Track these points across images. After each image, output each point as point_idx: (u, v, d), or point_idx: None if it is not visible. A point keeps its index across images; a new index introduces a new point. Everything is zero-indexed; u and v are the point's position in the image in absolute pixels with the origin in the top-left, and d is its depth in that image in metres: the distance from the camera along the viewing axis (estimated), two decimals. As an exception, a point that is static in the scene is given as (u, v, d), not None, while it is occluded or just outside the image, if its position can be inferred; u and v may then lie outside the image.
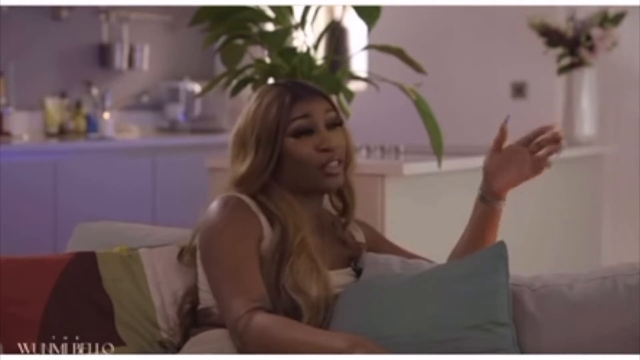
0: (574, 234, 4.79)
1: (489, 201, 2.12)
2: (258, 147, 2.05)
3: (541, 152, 2.09)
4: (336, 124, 2.08)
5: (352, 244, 2.16)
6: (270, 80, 2.94)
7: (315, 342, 1.81)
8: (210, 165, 3.45)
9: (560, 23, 4.81)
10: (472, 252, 2.09)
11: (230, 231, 1.99)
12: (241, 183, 2.06)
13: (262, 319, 1.87)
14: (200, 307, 2.07)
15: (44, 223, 5.06)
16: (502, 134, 2.13)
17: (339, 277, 2.07)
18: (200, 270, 2.05)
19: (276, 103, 2.05)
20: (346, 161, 2.08)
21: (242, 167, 2.06)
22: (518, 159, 2.10)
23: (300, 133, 2.04)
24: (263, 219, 2.03)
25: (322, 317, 1.97)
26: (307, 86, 2.11)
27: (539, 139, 2.10)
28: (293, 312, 1.94)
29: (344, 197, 2.15)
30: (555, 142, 2.08)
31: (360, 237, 2.20)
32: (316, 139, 2.04)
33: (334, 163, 2.05)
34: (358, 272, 2.12)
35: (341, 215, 2.17)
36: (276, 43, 2.92)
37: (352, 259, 2.14)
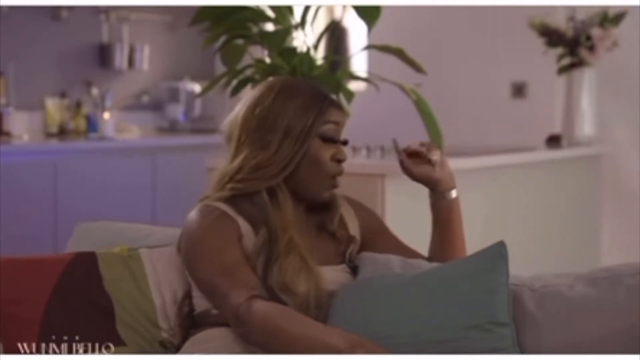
0: (574, 234, 4.80)
1: (445, 197, 2.16)
2: (284, 139, 2.04)
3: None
4: (344, 142, 2.12)
5: (344, 237, 2.15)
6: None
7: (315, 337, 1.82)
8: (210, 165, 3.45)
9: (560, 23, 4.81)
10: (447, 251, 2.16)
11: (213, 236, 1.99)
12: (257, 172, 2.03)
13: (262, 306, 1.87)
14: (196, 312, 2.07)
15: (44, 223, 5.07)
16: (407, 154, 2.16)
17: (333, 273, 2.06)
18: (190, 279, 2.06)
19: (315, 101, 2.07)
20: None
21: (262, 155, 2.04)
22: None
23: (327, 138, 2.06)
24: (241, 220, 2.02)
25: (314, 315, 1.96)
26: (333, 97, 2.17)
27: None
28: None
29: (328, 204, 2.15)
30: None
31: (354, 228, 2.19)
32: (334, 148, 2.08)
33: (340, 174, 2.09)
34: (353, 269, 2.12)
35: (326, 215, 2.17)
36: (276, 43, 2.92)
37: (345, 255, 2.13)
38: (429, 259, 2.19)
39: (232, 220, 2.02)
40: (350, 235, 2.17)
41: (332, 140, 2.07)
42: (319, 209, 2.14)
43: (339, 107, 2.11)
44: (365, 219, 2.22)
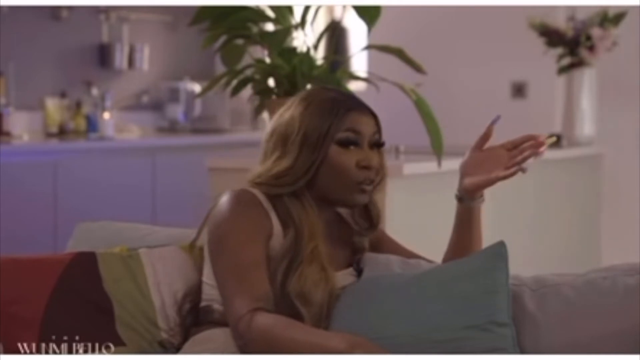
0: (574, 234, 4.80)
1: (464, 200, 2.12)
2: (302, 148, 2.02)
3: (518, 156, 2.07)
4: (379, 144, 2.08)
5: (359, 248, 2.15)
6: (271, 81, 2.95)
7: (315, 343, 1.82)
8: (210, 165, 3.45)
9: (560, 23, 4.81)
10: (461, 255, 2.09)
11: (241, 228, 1.98)
12: (277, 180, 2.03)
13: (263, 319, 1.87)
14: (202, 304, 2.06)
15: (44, 223, 5.07)
16: (488, 134, 2.12)
17: (342, 278, 2.06)
18: (207, 264, 2.05)
19: (330, 107, 2.03)
20: (379, 181, 2.08)
21: (281, 165, 2.03)
22: (494, 158, 2.10)
23: (347, 143, 2.03)
24: (274, 217, 2.02)
25: (324, 325, 1.96)
26: (360, 102, 2.10)
27: (524, 145, 2.08)
28: (294, 319, 1.92)
29: (369, 213, 2.14)
30: (536, 147, 2.06)
31: (365, 240, 2.19)
32: (360, 154, 2.04)
33: (369, 181, 2.05)
34: (359, 272, 2.12)
35: (366, 230, 2.15)
36: (276, 43, 2.92)
37: (354, 260, 2.14)
38: (444, 260, 2.18)
39: (265, 214, 2.01)
40: (365, 247, 2.17)
41: (352, 144, 2.04)
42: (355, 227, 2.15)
43: (362, 112, 2.06)
44: None
